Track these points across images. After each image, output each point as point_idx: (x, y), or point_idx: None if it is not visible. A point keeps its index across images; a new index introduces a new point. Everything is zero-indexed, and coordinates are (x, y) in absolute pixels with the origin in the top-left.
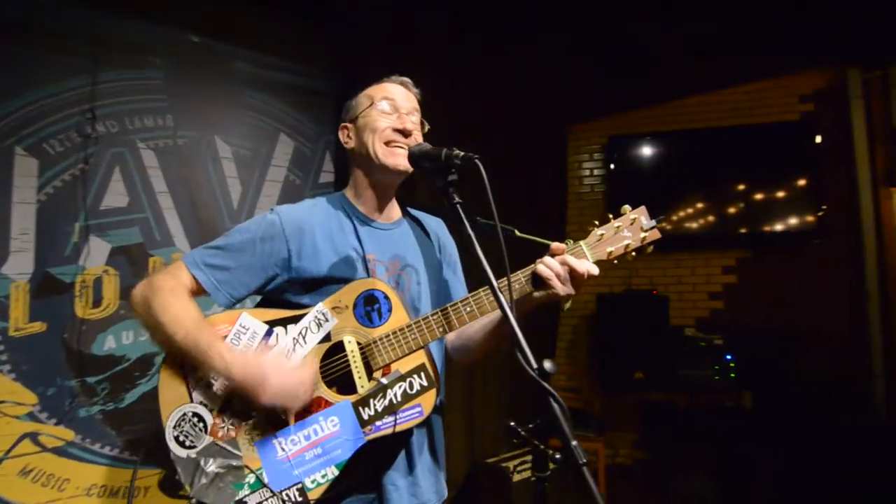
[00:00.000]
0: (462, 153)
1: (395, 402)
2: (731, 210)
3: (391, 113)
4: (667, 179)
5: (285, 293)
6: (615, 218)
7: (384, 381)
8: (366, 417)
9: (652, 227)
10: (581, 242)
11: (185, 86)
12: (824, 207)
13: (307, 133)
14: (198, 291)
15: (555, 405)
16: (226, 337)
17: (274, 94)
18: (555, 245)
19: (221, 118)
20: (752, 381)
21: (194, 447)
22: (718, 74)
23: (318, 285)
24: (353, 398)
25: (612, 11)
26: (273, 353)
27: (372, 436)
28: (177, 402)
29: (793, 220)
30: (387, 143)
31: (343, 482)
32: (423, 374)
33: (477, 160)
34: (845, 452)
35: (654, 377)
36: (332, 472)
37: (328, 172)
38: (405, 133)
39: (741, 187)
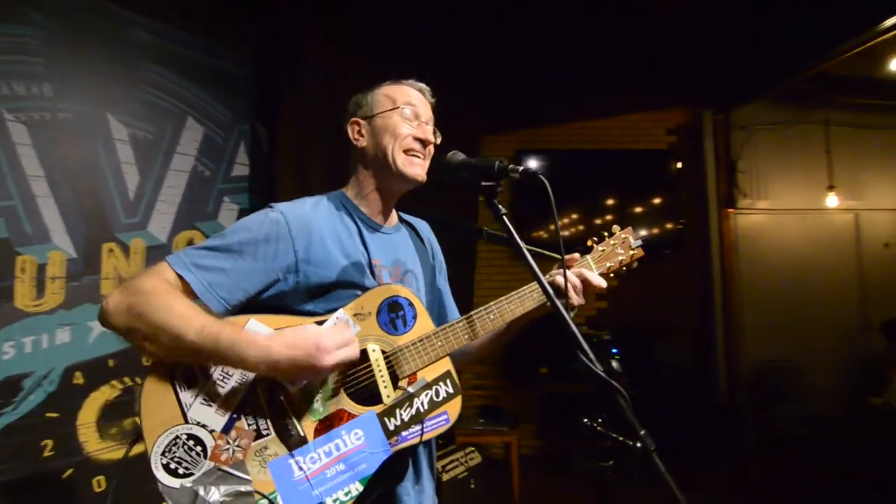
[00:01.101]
0: (520, 168)
1: (421, 410)
2: (609, 220)
3: (412, 120)
4: (563, 191)
5: (285, 300)
6: (609, 237)
7: (411, 389)
8: (392, 428)
9: (638, 246)
10: (588, 257)
11: (72, 50)
12: (682, 221)
13: (219, 119)
14: (185, 296)
15: (621, 401)
16: None
17: (182, 71)
18: (570, 256)
19: (116, 93)
20: (633, 370)
21: (190, 474)
22: (605, 105)
23: (325, 291)
24: (378, 409)
25: (520, 40)
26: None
27: (398, 447)
28: (167, 424)
29: (658, 232)
30: (405, 151)
31: (367, 498)
32: (449, 381)
33: (541, 177)
34: (697, 426)
35: (557, 372)
36: (357, 488)
37: (242, 165)
38: (425, 143)
39: (613, 202)
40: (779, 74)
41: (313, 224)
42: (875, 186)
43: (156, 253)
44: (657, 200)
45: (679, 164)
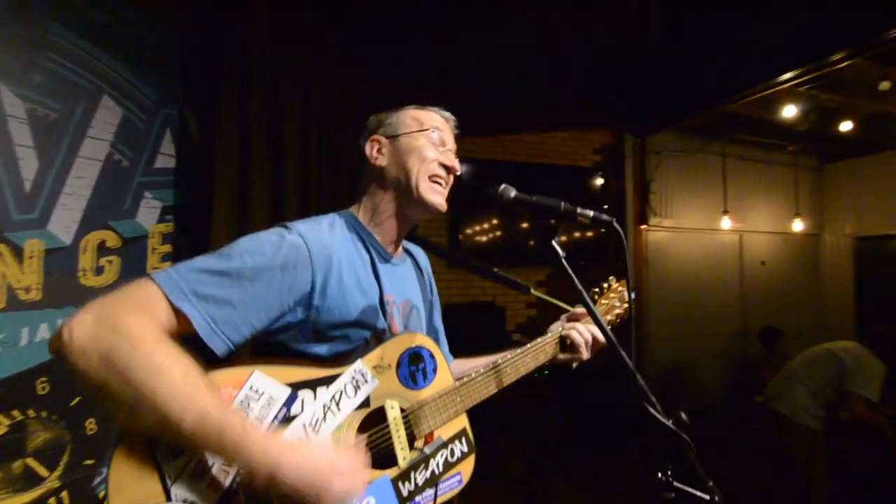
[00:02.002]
0: (590, 213)
1: (436, 472)
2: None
3: (439, 145)
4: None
5: (282, 337)
6: (608, 289)
7: (427, 450)
8: (405, 494)
9: (633, 299)
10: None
11: None
12: (604, 233)
13: (142, 101)
14: (176, 332)
15: (690, 453)
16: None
17: (100, 40)
18: (577, 311)
19: (12, 59)
20: (557, 375)
21: None
22: (540, 121)
23: (334, 330)
24: (392, 473)
25: (470, 53)
26: (324, 439)
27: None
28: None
29: (588, 245)
30: (430, 177)
31: None
32: (464, 439)
33: (615, 224)
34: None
35: None
36: None
37: (167, 156)
38: (450, 171)
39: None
40: (687, 110)
41: (334, 253)
42: (756, 212)
43: (58, 257)
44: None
45: (602, 182)
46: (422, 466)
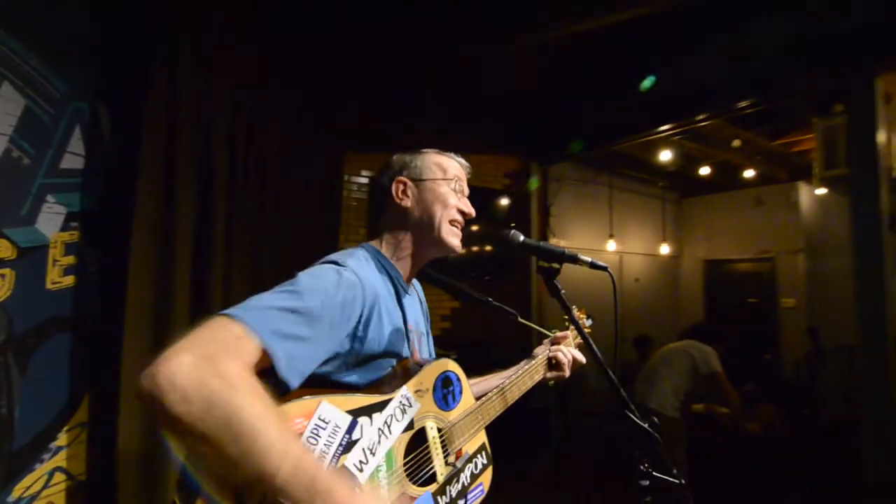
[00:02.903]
0: (588, 259)
1: (465, 484)
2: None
3: (459, 193)
4: None
5: (326, 368)
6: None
7: (458, 464)
8: None
9: (591, 325)
10: (568, 334)
11: None
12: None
13: (48, 92)
14: (256, 368)
15: (660, 449)
16: (300, 434)
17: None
18: (560, 334)
19: None
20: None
21: None
22: (453, 142)
23: (370, 360)
24: (432, 489)
25: (387, 65)
26: (380, 484)
27: None
28: None
29: (499, 261)
30: (450, 221)
31: None
32: (484, 452)
33: (609, 272)
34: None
35: None
36: None
37: (75, 156)
38: (466, 216)
39: (470, 232)
40: (585, 146)
41: (377, 288)
42: (633, 235)
43: None
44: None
45: (508, 202)
46: (454, 480)
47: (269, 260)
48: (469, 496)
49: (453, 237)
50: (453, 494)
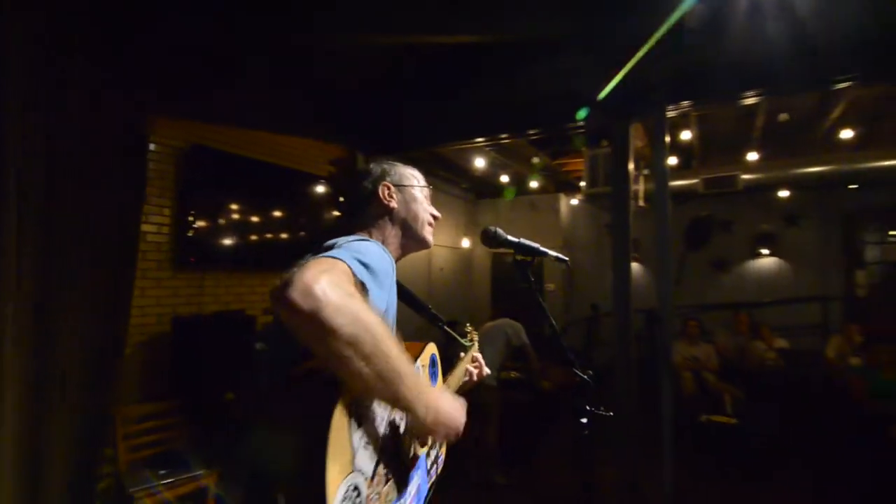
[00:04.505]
0: (554, 254)
1: (437, 449)
2: (284, 237)
3: (429, 200)
4: (238, 199)
5: None
6: (472, 332)
7: None
8: (428, 465)
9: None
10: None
11: None
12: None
13: None
14: None
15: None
16: None
17: None
18: (475, 354)
19: None
20: None
21: None
22: (274, 118)
23: None
24: (423, 451)
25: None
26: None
27: (432, 480)
28: (344, 472)
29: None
30: (428, 222)
31: None
32: None
33: (567, 264)
34: None
35: (244, 394)
36: None
37: None
38: (436, 219)
39: (290, 219)
40: (408, 144)
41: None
42: (441, 230)
43: None
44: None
45: (332, 190)
46: (434, 445)
47: (63, 233)
48: (439, 458)
49: (430, 235)
50: (432, 456)
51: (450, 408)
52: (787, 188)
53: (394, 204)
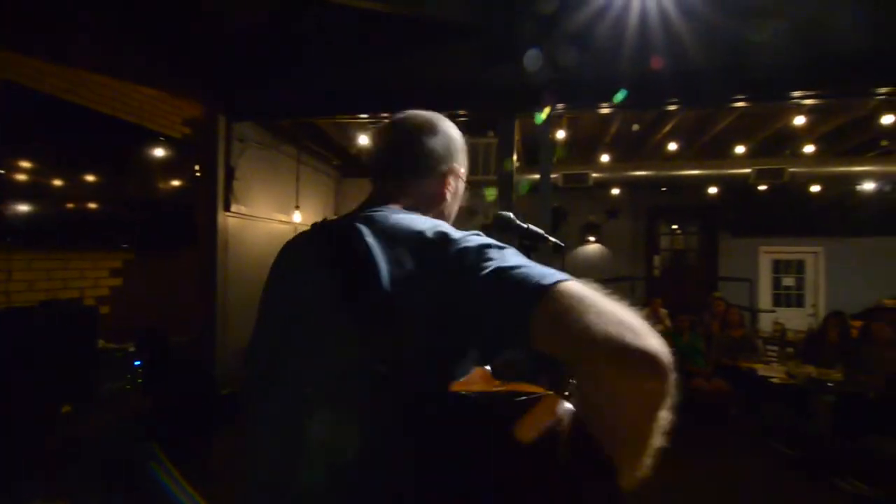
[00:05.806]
0: (554, 240)
1: None
2: (121, 210)
3: None
4: (61, 157)
5: None
6: None
7: None
8: None
9: None
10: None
11: None
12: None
13: None
14: None
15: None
16: None
17: None
18: None
19: None
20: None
21: None
22: (118, 63)
23: None
24: None
25: None
26: None
27: None
28: None
29: (173, 227)
30: None
31: None
32: None
33: (563, 245)
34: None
35: (84, 406)
36: None
37: None
38: None
39: (130, 188)
40: (273, 113)
41: None
42: (308, 210)
43: None
44: (177, 192)
45: (193, 161)
46: None
47: None
48: None
49: None
50: None
51: None
52: (618, 186)
53: (447, 196)
